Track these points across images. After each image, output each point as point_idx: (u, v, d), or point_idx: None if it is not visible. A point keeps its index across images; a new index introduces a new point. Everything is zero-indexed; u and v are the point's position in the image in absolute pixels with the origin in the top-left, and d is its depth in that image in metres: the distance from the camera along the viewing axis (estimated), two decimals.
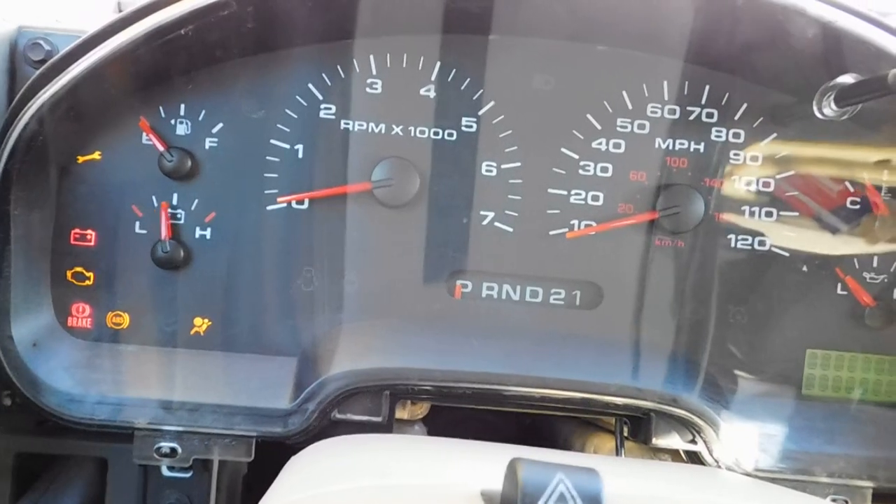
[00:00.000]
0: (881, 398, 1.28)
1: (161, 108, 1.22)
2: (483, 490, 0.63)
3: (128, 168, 1.23)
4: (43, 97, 1.08)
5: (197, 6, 1.03)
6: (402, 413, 1.30)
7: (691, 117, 1.26)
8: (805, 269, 1.27)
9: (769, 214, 1.26)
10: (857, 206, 1.26)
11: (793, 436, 1.24)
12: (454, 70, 1.24)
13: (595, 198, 1.26)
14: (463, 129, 1.25)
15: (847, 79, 1.10)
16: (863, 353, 1.28)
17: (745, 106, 1.25)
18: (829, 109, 1.13)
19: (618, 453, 1.28)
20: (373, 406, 1.19)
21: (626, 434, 1.29)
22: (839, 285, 1.27)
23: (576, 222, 1.26)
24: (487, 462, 0.69)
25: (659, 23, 1.17)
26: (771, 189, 1.26)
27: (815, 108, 1.15)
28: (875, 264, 1.26)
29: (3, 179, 1.11)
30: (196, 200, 1.24)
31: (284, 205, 1.24)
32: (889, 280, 1.26)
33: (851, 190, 1.26)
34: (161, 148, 1.21)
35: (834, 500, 1.20)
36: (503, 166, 1.25)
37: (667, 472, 0.89)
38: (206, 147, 1.23)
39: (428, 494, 0.66)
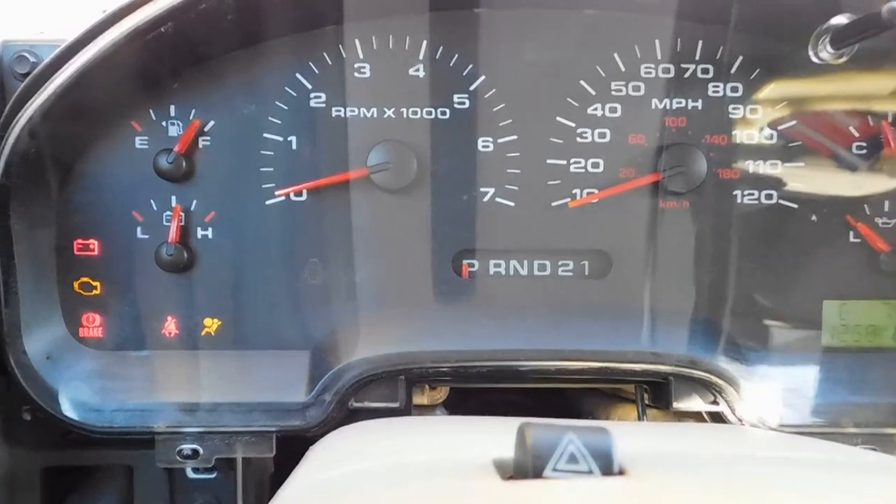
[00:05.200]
0: None
1: (151, 110, 1.22)
2: (495, 459, 0.63)
3: (124, 174, 1.22)
4: (31, 109, 1.08)
5: (174, 2, 1.03)
6: (421, 399, 1.30)
7: (686, 75, 1.23)
8: (815, 219, 1.24)
9: (774, 166, 1.24)
10: (869, 145, 1.23)
11: (817, 388, 1.23)
12: (442, 47, 1.23)
13: (595, 165, 1.24)
14: (456, 106, 1.24)
15: (841, 19, 1.08)
16: (881, 299, 1.25)
17: (740, 58, 1.23)
18: (825, 53, 1.11)
19: (640, 420, 1.27)
20: (389, 392, 1.18)
21: (647, 401, 1.27)
22: (851, 233, 1.25)
23: (577, 191, 1.24)
24: (499, 434, 0.68)
25: None
26: (774, 141, 1.24)
27: (811, 53, 1.12)
28: (886, 208, 1.24)
29: (0, 196, 1.11)
30: (195, 201, 1.23)
31: (283, 198, 1.23)
32: None
33: (857, 134, 1.23)
34: (178, 150, 1.20)
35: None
36: (499, 140, 1.24)
37: (680, 430, 0.88)
38: (200, 146, 1.23)
39: (440, 468, 0.66)
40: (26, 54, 1.19)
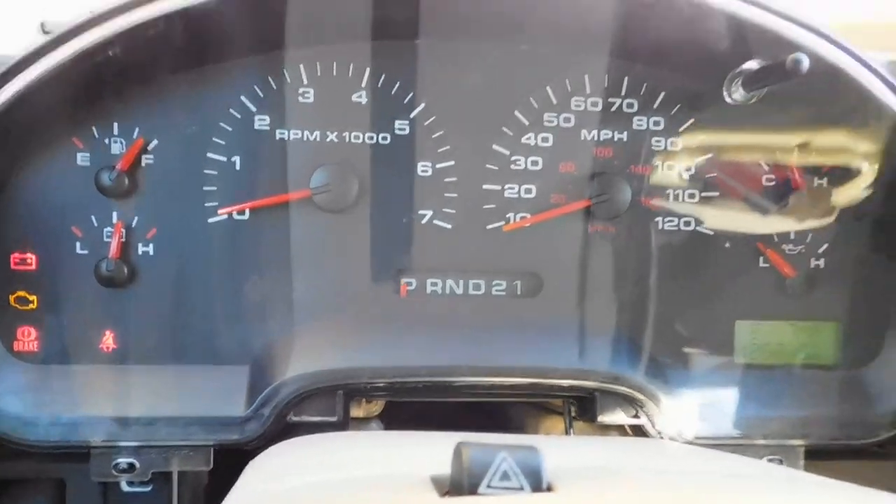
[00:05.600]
0: (808, 361, 1.36)
1: (94, 127, 1.23)
2: (433, 475, 0.67)
3: (65, 189, 1.23)
4: None
5: (124, 27, 1.05)
6: (357, 412, 1.33)
7: (613, 108, 1.31)
8: (728, 245, 1.34)
9: (692, 196, 1.33)
10: (780, 186, 1.33)
11: (729, 403, 1.32)
12: (384, 75, 1.28)
13: (528, 191, 1.31)
14: (396, 132, 1.28)
15: (752, 65, 1.17)
16: (787, 320, 1.36)
17: (662, 94, 1.32)
18: (737, 94, 1.20)
19: (567, 433, 1.34)
20: (327, 407, 1.22)
21: (574, 414, 1.34)
22: (761, 259, 1.35)
23: (511, 215, 1.31)
24: (436, 449, 0.73)
25: (577, 20, 1.23)
26: (693, 172, 1.33)
27: (724, 94, 1.22)
28: (792, 237, 1.34)
29: None
30: (136, 217, 1.25)
31: (226, 216, 1.26)
32: (806, 251, 1.34)
33: (768, 171, 1.33)
34: (120, 167, 1.21)
35: (770, 460, 1.27)
36: (438, 166, 1.29)
37: (604, 445, 0.94)
38: (143, 164, 1.24)
39: (380, 485, 0.70)
40: None
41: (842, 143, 1.29)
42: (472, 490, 0.60)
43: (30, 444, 1.17)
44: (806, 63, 1.06)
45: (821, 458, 1.29)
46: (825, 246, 1.34)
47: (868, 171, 1.30)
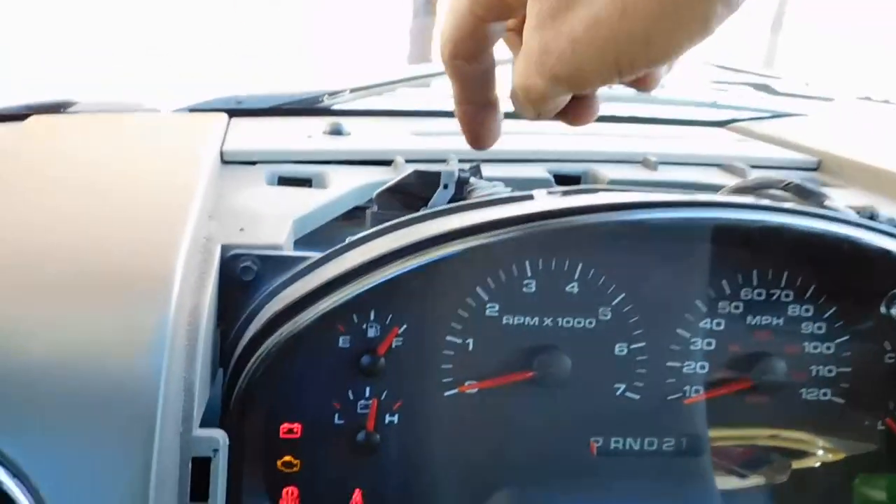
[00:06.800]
0: None
1: (354, 315, 1.41)
2: None
3: (327, 369, 1.41)
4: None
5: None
6: None
7: (773, 298, 1.57)
8: (854, 413, 1.61)
9: (830, 371, 1.59)
10: None
11: None
12: (592, 270, 1.49)
13: (702, 367, 1.55)
14: (600, 318, 1.51)
15: None
16: None
17: (813, 286, 1.57)
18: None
19: None
20: None
21: None
22: (879, 423, 1.63)
23: (688, 388, 1.55)
24: None
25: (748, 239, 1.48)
26: (832, 352, 1.59)
27: (883, 308, 1.49)
28: None
29: (244, 399, 1.28)
30: (385, 392, 1.44)
31: (458, 391, 1.46)
32: None
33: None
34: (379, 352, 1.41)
35: None
36: (632, 346, 1.52)
37: None
38: (393, 346, 1.44)
39: None
40: (250, 264, 1.36)
41: None
42: None
43: None
44: None
45: None
46: None
47: None
